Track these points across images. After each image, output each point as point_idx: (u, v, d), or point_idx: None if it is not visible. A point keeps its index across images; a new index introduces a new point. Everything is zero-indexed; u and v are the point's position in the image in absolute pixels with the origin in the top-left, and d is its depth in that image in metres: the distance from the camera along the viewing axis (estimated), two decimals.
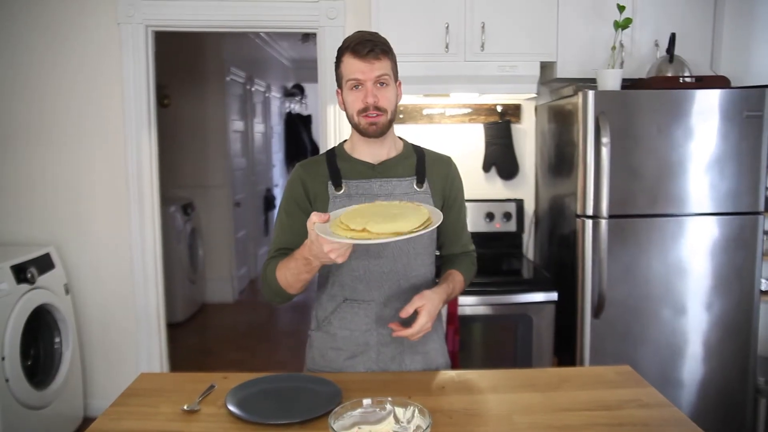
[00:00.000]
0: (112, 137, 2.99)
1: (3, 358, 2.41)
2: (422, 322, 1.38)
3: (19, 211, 3.01)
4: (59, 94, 2.96)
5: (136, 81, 2.95)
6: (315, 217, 1.23)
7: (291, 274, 1.40)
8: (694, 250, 2.46)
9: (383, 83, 1.45)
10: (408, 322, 1.41)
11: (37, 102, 2.96)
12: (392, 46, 1.51)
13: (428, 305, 1.40)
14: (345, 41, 1.48)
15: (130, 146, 2.98)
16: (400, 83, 1.54)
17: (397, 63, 1.53)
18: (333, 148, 1.62)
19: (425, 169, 1.58)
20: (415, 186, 1.54)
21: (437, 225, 1.23)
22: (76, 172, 3.01)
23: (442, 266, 1.65)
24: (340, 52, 1.48)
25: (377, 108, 1.45)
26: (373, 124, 1.46)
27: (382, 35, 1.50)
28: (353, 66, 1.44)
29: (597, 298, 2.43)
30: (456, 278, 1.57)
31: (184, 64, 5.09)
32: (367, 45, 1.43)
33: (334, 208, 1.48)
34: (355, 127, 1.51)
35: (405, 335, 1.39)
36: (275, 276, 1.44)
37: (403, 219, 1.21)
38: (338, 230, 1.19)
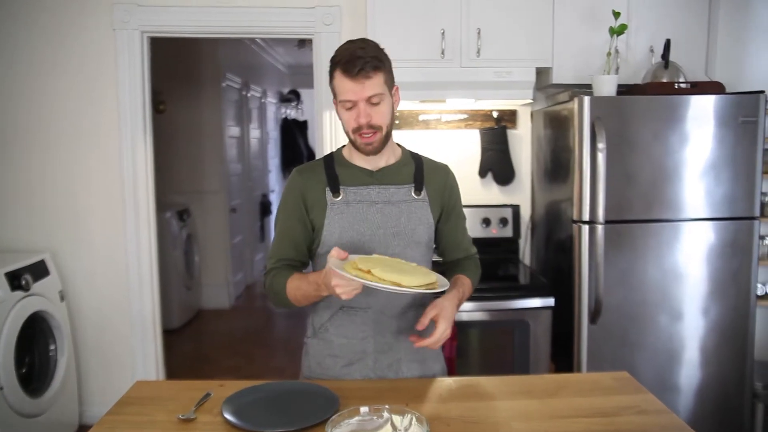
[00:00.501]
0: (108, 143, 2.98)
1: None
2: (441, 330, 1.39)
3: (14, 217, 3.00)
4: (55, 95, 2.95)
5: (131, 87, 2.94)
6: (334, 252, 1.30)
7: (301, 294, 1.46)
8: (690, 256, 2.46)
9: (375, 103, 1.43)
10: (418, 333, 1.43)
11: (34, 103, 2.94)
12: (388, 52, 1.48)
13: (444, 312, 1.41)
14: (335, 54, 1.44)
15: (126, 152, 2.97)
16: (397, 88, 1.52)
17: (394, 69, 1.49)
18: (331, 153, 1.61)
19: (423, 176, 1.58)
20: (413, 193, 1.54)
21: (438, 291, 1.30)
22: (71, 177, 3.00)
23: (447, 272, 1.64)
24: (332, 67, 1.45)
25: (371, 126, 1.44)
26: (369, 144, 1.46)
27: (376, 41, 1.47)
28: (345, 85, 1.42)
29: (594, 303, 2.43)
30: (465, 282, 1.59)
31: (180, 70, 5.09)
32: (358, 63, 1.38)
33: (332, 214, 1.49)
34: (352, 143, 1.51)
35: (426, 345, 1.40)
36: (285, 290, 1.48)
37: (409, 275, 1.27)
38: (349, 268, 1.27)
